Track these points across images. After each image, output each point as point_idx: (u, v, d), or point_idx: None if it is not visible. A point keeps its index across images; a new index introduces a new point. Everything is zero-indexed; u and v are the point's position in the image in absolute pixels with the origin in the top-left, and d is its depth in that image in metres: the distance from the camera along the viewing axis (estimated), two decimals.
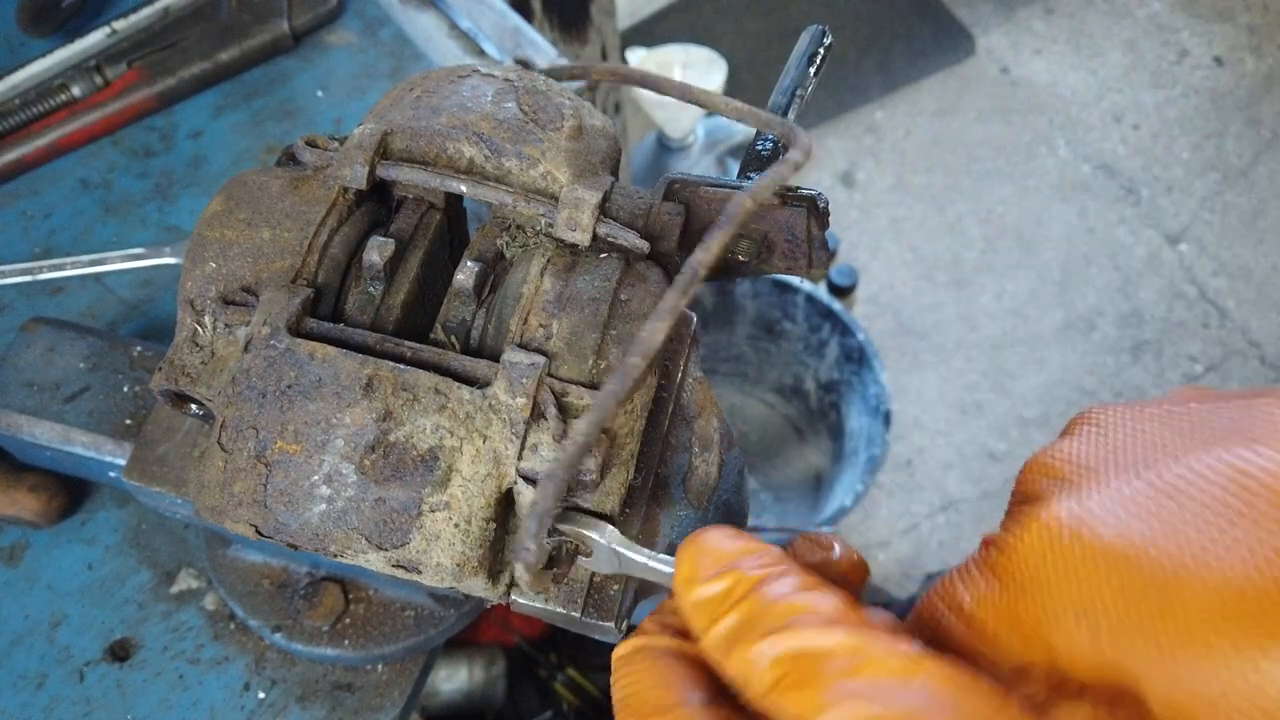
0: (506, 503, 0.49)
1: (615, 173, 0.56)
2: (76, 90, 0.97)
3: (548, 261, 0.51)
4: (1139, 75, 2.93)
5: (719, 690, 0.40)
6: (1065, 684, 0.36)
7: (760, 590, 0.39)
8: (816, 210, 0.53)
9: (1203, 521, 0.35)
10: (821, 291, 2.05)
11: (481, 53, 1.06)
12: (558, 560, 0.52)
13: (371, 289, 0.52)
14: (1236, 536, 0.34)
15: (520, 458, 0.47)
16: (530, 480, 0.47)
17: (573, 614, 0.53)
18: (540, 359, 0.47)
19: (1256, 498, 0.34)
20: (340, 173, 0.52)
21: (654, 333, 0.45)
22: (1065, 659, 0.36)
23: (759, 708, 0.37)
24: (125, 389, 0.71)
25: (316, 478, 0.47)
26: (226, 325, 0.51)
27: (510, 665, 1.70)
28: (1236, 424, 0.38)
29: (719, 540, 0.41)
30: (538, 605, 0.53)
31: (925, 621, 0.42)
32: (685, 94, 0.59)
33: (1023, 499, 0.42)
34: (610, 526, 0.48)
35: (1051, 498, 0.39)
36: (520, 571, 0.47)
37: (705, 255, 0.47)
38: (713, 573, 0.40)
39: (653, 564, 0.48)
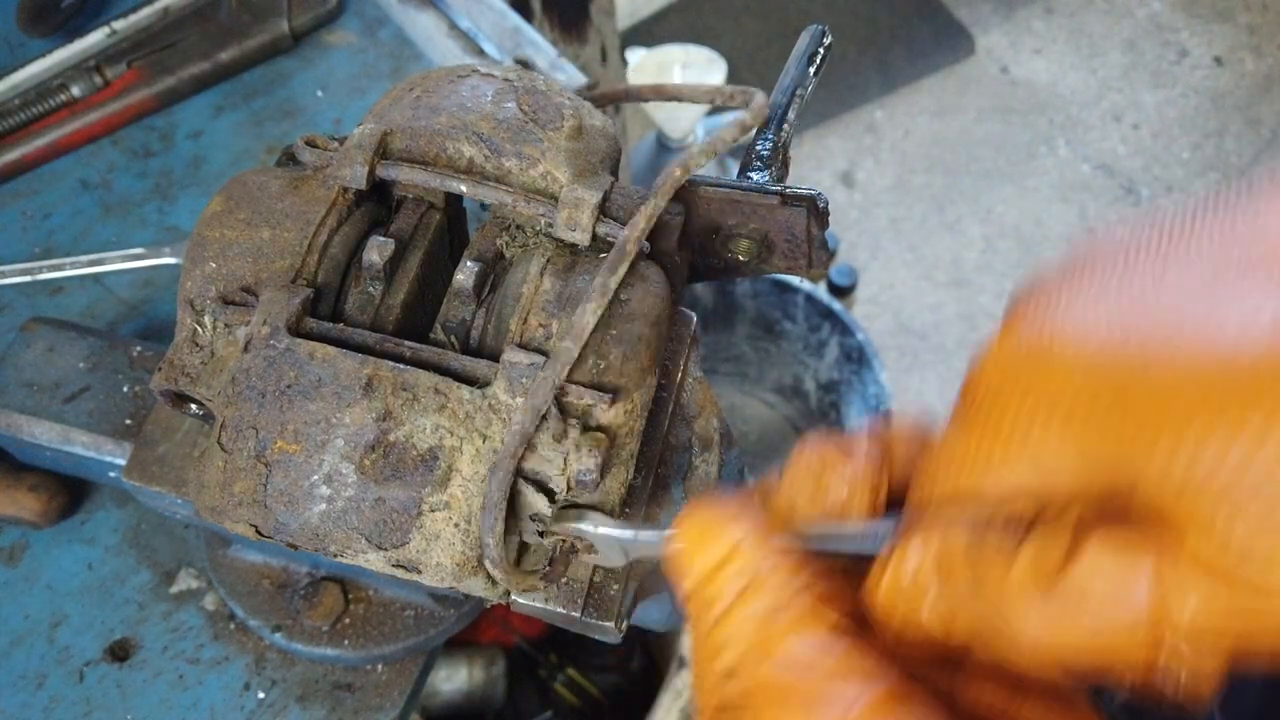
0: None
1: (615, 172, 0.56)
2: (76, 90, 0.97)
3: (547, 261, 0.51)
4: (1139, 75, 2.93)
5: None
6: (1050, 505, 0.32)
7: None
8: (816, 210, 0.53)
9: (1196, 285, 0.30)
10: (821, 291, 2.05)
11: (481, 53, 1.06)
12: (555, 559, 0.52)
13: (371, 289, 0.52)
14: (1245, 297, 0.29)
15: (520, 457, 0.47)
16: (530, 480, 0.47)
17: (573, 614, 0.53)
18: (540, 359, 0.47)
19: (1267, 254, 0.29)
20: (340, 173, 0.52)
21: (584, 314, 0.46)
22: (1048, 476, 0.32)
23: None
24: (125, 389, 0.71)
25: (316, 477, 0.47)
26: (226, 325, 0.51)
27: (510, 665, 1.70)
28: (1235, 196, 0.32)
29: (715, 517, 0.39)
30: (538, 605, 0.53)
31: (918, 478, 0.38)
32: (658, 93, 0.61)
33: (1002, 323, 0.36)
34: (599, 513, 0.48)
35: (1031, 309, 0.34)
36: (489, 568, 0.47)
37: (634, 230, 0.48)
38: (702, 576, 0.38)
39: (642, 535, 0.47)
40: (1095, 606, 0.31)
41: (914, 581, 0.35)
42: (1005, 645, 0.33)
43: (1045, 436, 0.32)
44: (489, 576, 0.49)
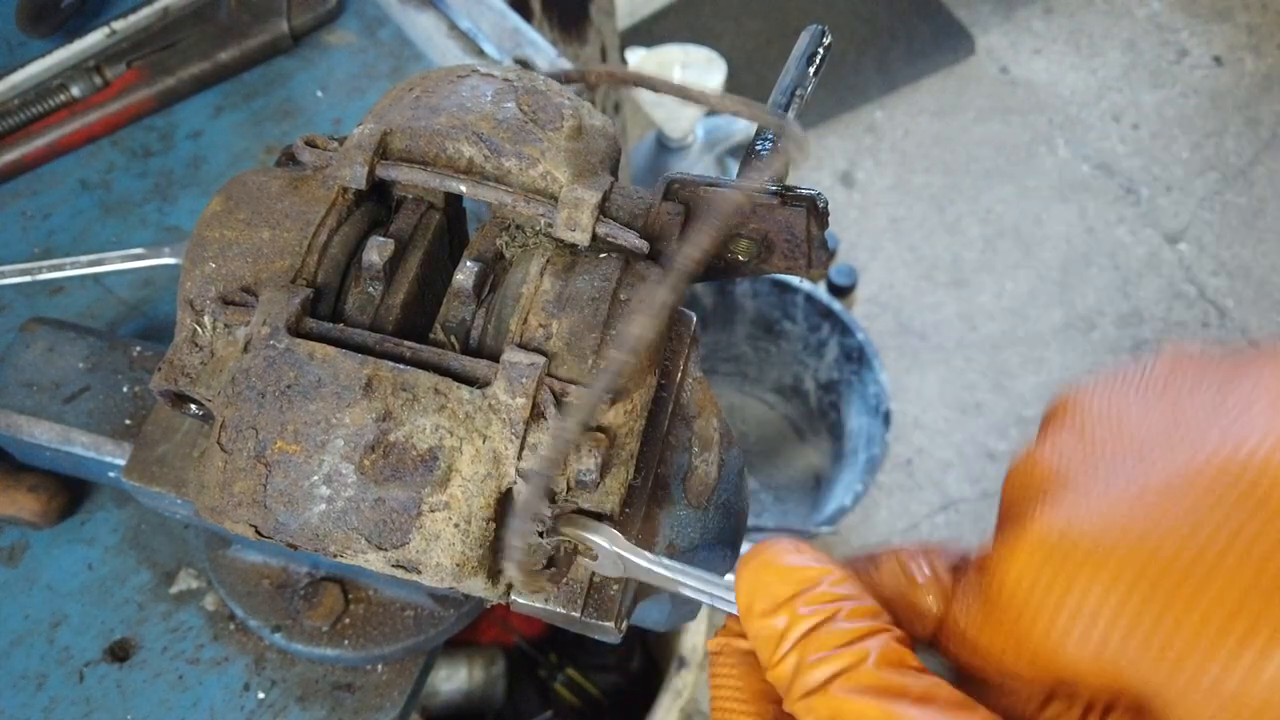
0: (506, 503, 0.49)
1: (615, 172, 0.56)
2: (76, 90, 0.97)
3: (547, 261, 0.51)
4: (1138, 75, 2.93)
5: None
6: (1074, 699, 0.36)
7: (811, 637, 0.38)
8: (816, 210, 0.53)
9: (1197, 518, 0.33)
10: (821, 291, 2.05)
11: (481, 53, 1.06)
12: (557, 560, 0.52)
13: (371, 289, 0.52)
14: (1234, 530, 0.32)
15: (520, 458, 0.47)
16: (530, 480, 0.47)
17: (572, 614, 0.53)
18: (540, 359, 0.47)
19: (1250, 491, 0.33)
20: (340, 173, 0.52)
21: (643, 329, 0.45)
22: (1070, 675, 0.36)
23: None
24: (125, 389, 0.71)
25: (316, 478, 0.47)
26: (226, 325, 0.51)
27: (510, 665, 1.70)
28: (1219, 403, 0.36)
29: (779, 559, 0.40)
30: (538, 605, 0.53)
31: (948, 639, 0.41)
32: (682, 93, 0.59)
33: (1008, 514, 0.40)
34: (614, 530, 0.48)
35: (1036, 512, 0.37)
36: (511, 570, 0.47)
37: (694, 250, 0.47)
38: (769, 607, 0.39)
39: (657, 570, 0.48)
40: None
41: None
42: None
43: (1077, 648, 0.35)
44: (489, 577, 0.49)
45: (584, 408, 0.44)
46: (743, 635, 0.42)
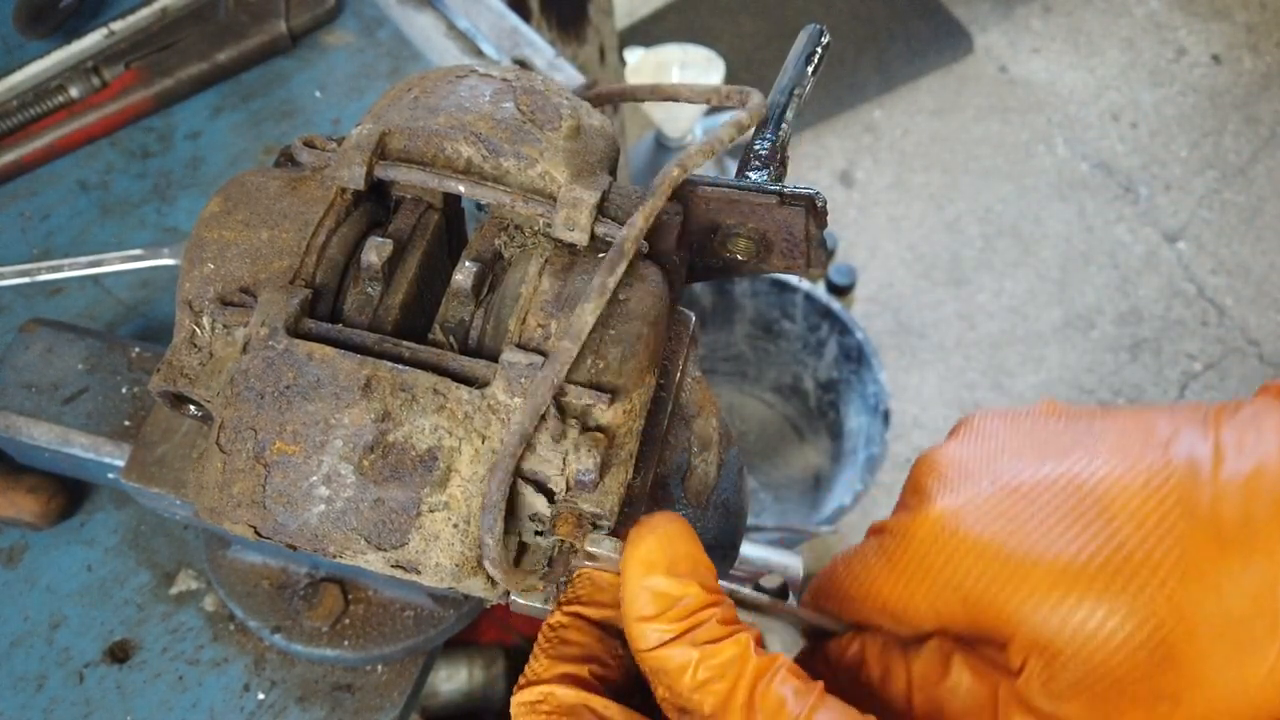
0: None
1: (613, 172, 0.56)
2: (74, 91, 0.97)
3: (546, 261, 0.51)
4: (1137, 73, 2.93)
5: None
6: (946, 636, 0.51)
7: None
8: (815, 209, 0.53)
9: (1043, 519, 0.48)
10: (820, 290, 2.05)
11: (479, 53, 1.06)
12: (554, 559, 0.52)
13: (370, 289, 0.52)
14: (1066, 533, 0.47)
15: (520, 457, 0.47)
16: (529, 480, 0.47)
17: None
18: (539, 359, 0.47)
19: (1083, 501, 0.47)
20: (338, 173, 0.52)
21: (583, 314, 0.46)
22: (947, 621, 0.50)
23: None
24: (124, 390, 0.71)
25: (315, 478, 0.47)
26: (225, 326, 0.51)
27: (510, 665, 1.70)
28: (1079, 439, 0.50)
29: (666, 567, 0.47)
30: (537, 605, 0.53)
31: (830, 594, 0.55)
32: (655, 93, 0.61)
33: (912, 491, 0.54)
34: (612, 539, 0.49)
35: (936, 495, 0.51)
36: (488, 568, 0.47)
37: (632, 229, 0.48)
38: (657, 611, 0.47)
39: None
40: (959, 705, 0.50)
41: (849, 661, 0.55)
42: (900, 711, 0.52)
43: (953, 603, 0.49)
44: (488, 577, 0.49)
45: (536, 394, 0.46)
46: (596, 607, 0.49)
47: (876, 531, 0.54)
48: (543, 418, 0.47)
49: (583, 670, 0.48)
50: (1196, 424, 0.48)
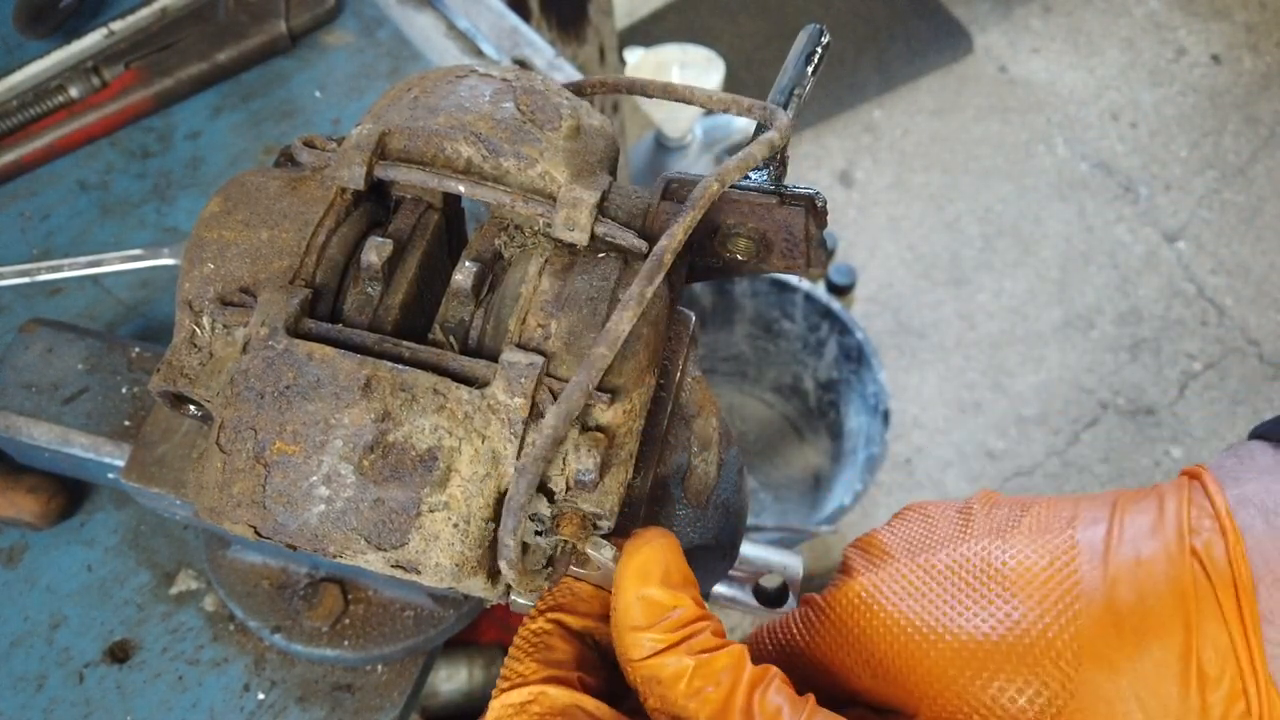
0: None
1: (613, 172, 0.56)
2: (74, 91, 0.97)
3: (546, 261, 0.51)
4: (1137, 73, 2.93)
5: None
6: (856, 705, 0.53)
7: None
8: (814, 209, 0.53)
9: (952, 597, 0.50)
10: (820, 290, 2.05)
11: (479, 53, 1.06)
12: (554, 560, 0.52)
13: (370, 289, 0.52)
14: (971, 610, 0.49)
15: (519, 458, 0.47)
16: None
17: None
18: (539, 359, 0.47)
19: (991, 580, 0.50)
20: (338, 173, 0.52)
21: (620, 322, 0.45)
22: (860, 692, 0.52)
23: None
24: (124, 390, 0.71)
25: (315, 478, 0.47)
26: (225, 326, 0.51)
27: None
28: (998, 526, 0.53)
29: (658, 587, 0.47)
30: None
31: (761, 652, 0.57)
32: (668, 93, 0.60)
33: (841, 569, 0.57)
34: (612, 547, 0.49)
35: (858, 572, 0.54)
36: (504, 569, 0.47)
37: (671, 241, 0.48)
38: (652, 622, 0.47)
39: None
40: None
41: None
42: None
43: (865, 676, 0.52)
44: (489, 577, 0.49)
45: (569, 398, 0.45)
46: (577, 616, 0.50)
47: (806, 602, 0.57)
48: (542, 418, 0.47)
49: (571, 675, 0.48)
50: (1103, 508, 0.51)
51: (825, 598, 0.55)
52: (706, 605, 0.50)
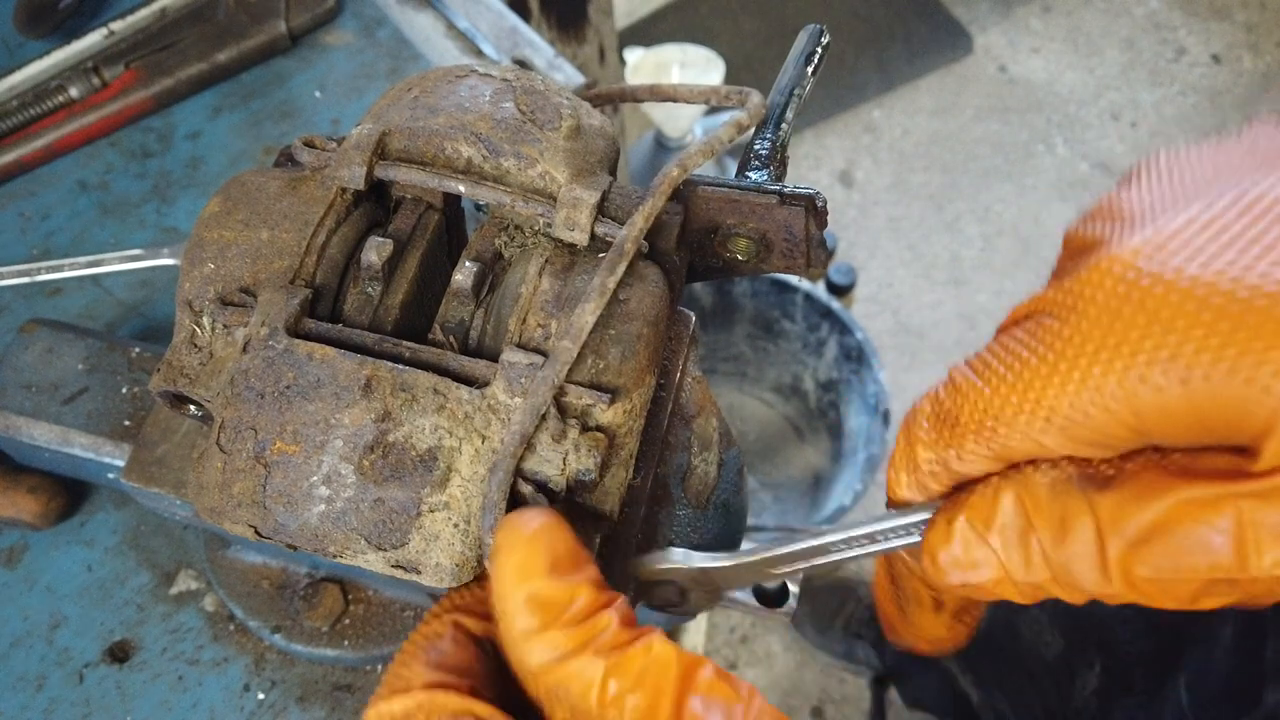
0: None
1: (613, 172, 0.56)
2: (74, 91, 0.97)
3: (546, 261, 0.51)
4: (1137, 73, 2.93)
5: None
6: (1136, 450, 0.33)
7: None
8: (814, 209, 0.53)
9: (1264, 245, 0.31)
10: (820, 290, 2.05)
11: (479, 53, 1.06)
12: None
13: (370, 289, 0.52)
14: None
15: (520, 457, 0.47)
16: (530, 480, 0.47)
17: None
18: (539, 359, 0.47)
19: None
20: (338, 173, 0.52)
21: (584, 314, 0.46)
22: (1152, 424, 0.32)
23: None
24: (124, 390, 0.71)
25: (315, 478, 0.47)
26: (225, 326, 0.51)
27: None
28: (1266, 161, 0.34)
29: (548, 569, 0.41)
30: None
31: (953, 430, 0.38)
32: (655, 94, 0.61)
33: (1073, 253, 0.36)
34: (681, 549, 0.50)
35: (1115, 238, 0.34)
36: (489, 568, 0.47)
37: (632, 229, 0.48)
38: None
39: (750, 559, 0.49)
40: (1179, 557, 0.32)
41: (984, 541, 0.36)
42: (1076, 588, 0.34)
43: (1162, 386, 0.31)
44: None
45: (536, 393, 0.45)
46: (476, 619, 0.44)
47: (1012, 324, 0.38)
48: (543, 417, 0.47)
49: (462, 683, 0.41)
50: None
51: (1067, 290, 0.35)
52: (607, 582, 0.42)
